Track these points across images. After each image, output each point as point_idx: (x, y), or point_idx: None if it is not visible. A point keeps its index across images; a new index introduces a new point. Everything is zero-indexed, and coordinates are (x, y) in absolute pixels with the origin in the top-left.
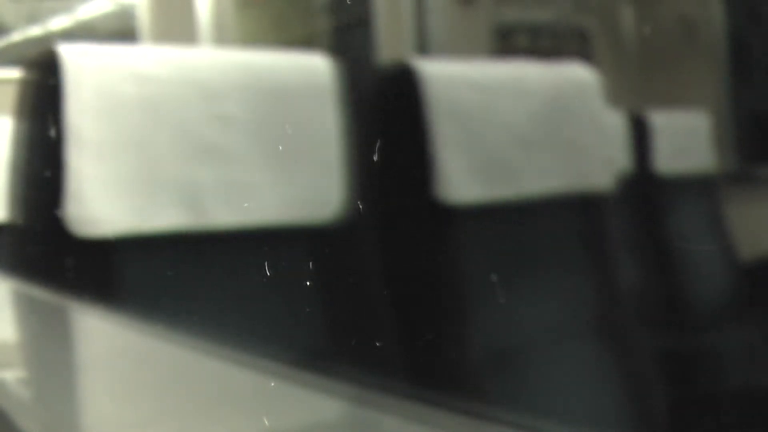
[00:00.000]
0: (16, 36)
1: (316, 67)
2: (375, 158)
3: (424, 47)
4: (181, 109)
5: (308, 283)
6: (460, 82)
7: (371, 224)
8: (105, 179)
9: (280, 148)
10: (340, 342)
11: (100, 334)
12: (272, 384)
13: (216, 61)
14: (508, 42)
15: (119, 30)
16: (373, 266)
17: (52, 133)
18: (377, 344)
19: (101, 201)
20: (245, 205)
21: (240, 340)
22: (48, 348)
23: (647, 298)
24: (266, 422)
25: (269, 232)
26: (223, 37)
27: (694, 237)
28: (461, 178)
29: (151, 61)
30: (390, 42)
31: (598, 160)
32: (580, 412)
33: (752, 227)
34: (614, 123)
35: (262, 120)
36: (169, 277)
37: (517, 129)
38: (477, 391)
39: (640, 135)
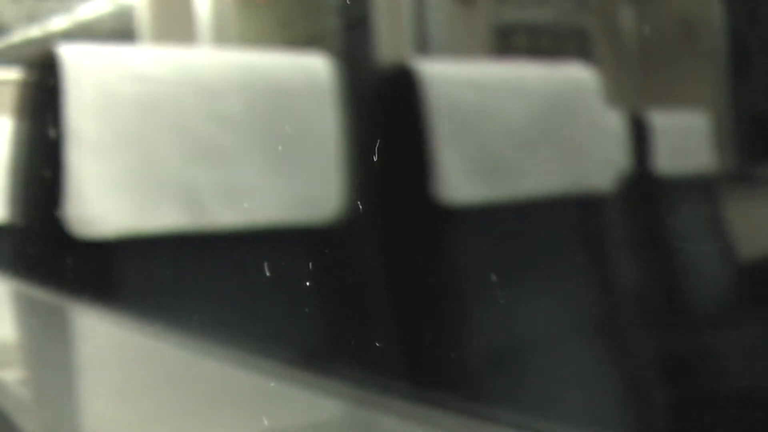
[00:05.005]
0: (16, 36)
1: (315, 67)
2: (374, 158)
3: (423, 47)
4: (180, 109)
5: (308, 283)
6: (459, 82)
7: (371, 224)
8: (104, 179)
9: (280, 148)
10: (340, 342)
11: (100, 334)
12: (272, 384)
13: (215, 61)
14: (508, 42)
15: (118, 30)
16: (372, 266)
17: (52, 133)
18: (377, 344)
19: (101, 201)
20: (244, 205)
21: (239, 340)
22: (48, 348)
23: (647, 298)
24: (266, 422)
25: (269, 232)
26: (222, 37)
27: (694, 237)
28: (460, 178)
29: (151, 61)
30: (389, 42)
31: (598, 160)
32: (580, 412)
33: (752, 227)
34: (614, 123)
35: (262, 120)
36: (169, 277)
37: (516, 129)
38: (477, 391)
39: (640, 135)
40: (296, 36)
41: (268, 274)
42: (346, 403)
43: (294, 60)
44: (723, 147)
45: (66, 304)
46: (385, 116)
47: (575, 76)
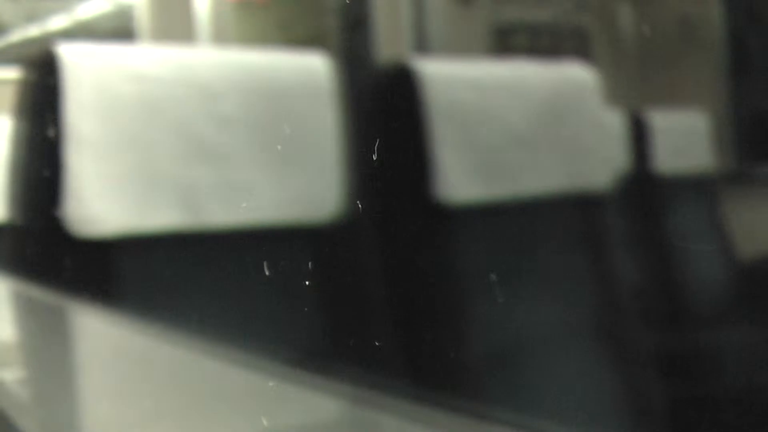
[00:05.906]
0: (15, 36)
1: (314, 66)
2: (373, 158)
3: (422, 46)
4: (179, 109)
5: (307, 283)
6: (458, 81)
7: (370, 224)
8: (104, 179)
9: (279, 148)
10: (339, 341)
11: (99, 334)
12: (271, 384)
13: (214, 61)
14: (507, 41)
15: (118, 30)
16: (371, 266)
17: (51, 132)
18: (376, 344)
19: (100, 201)
20: (243, 204)
21: (238, 340)
22: (47, 348)
23: (646, 298)
24: (265, 422)
25: (268, 232)
26: (221, 37)
27: (694, 237)
28: (460, 178)
29: (150, 61)
30: (389, 42)
31: (597, 160)
32: (580, 411)
33: (752, 227)
34: (613, 123)
35: (261, 120)
36: (168, 277)
37: (515, 128)
38: (476, 391)
39: (639, 135)
40: (295, 36)
41: (267, 273)
42: (346, 403)
43: (293, 60)
44: (723, 147)
45: (66, 304)
46: (384, 116)
47: (574, 75)
